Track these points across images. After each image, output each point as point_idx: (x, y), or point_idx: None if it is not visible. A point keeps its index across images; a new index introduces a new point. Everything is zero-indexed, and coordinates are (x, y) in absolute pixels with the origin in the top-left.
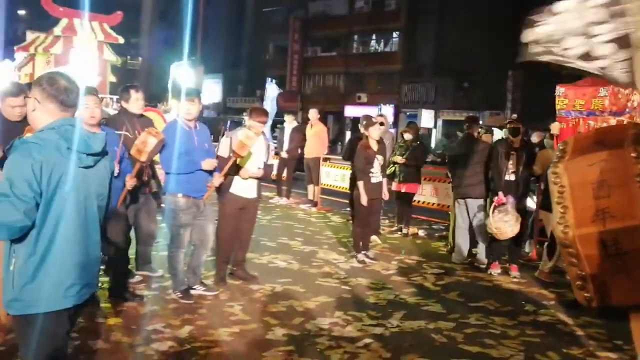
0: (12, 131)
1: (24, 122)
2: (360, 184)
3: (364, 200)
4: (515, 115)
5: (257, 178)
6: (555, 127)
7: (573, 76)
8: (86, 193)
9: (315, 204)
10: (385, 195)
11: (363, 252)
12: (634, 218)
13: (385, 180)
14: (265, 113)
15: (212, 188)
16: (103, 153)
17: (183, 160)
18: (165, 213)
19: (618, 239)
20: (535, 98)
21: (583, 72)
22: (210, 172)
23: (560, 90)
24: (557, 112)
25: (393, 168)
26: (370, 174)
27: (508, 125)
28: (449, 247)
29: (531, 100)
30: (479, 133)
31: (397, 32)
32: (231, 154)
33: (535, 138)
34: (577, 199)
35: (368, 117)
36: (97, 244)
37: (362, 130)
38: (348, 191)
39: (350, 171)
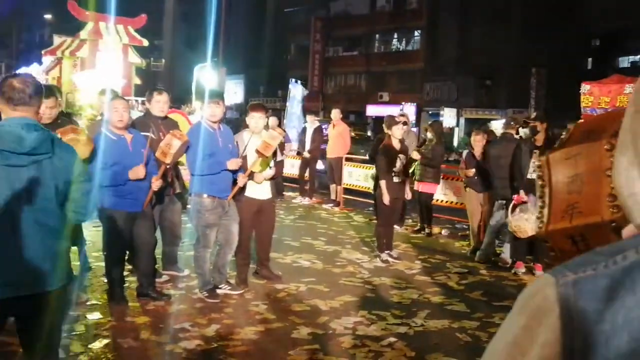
0: None
1: (54, 124)
2: (383, 183)
3: (386, 199)
4: (534, 114)
5: (270, 178)
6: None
7: (598, 74)
8: (19, 193)
9: (337, 204)
10: (408, 195)
11: (387, 251)
12: (597, 214)
13: (407, 180)
14: (262, 105)
15: (236, 188)
16: (43, 152)
17: (208, 161)
18: (192, 214)
19: (585, 235)
20: (560, 95)
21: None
22: (234, 172)
23: (585, 87)
24: (582, 109)
25: (413, 167)
26: (393, 174)
27: (524, 125)
28: (471, 246)
29: (555, 98)
30: (517, 132)
31: (419, 31)
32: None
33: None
34: (555, 194)
35: (391, 117)
36: (39, 243)
37: (385, 129)
38: (371, 191)
39: (373, 170)
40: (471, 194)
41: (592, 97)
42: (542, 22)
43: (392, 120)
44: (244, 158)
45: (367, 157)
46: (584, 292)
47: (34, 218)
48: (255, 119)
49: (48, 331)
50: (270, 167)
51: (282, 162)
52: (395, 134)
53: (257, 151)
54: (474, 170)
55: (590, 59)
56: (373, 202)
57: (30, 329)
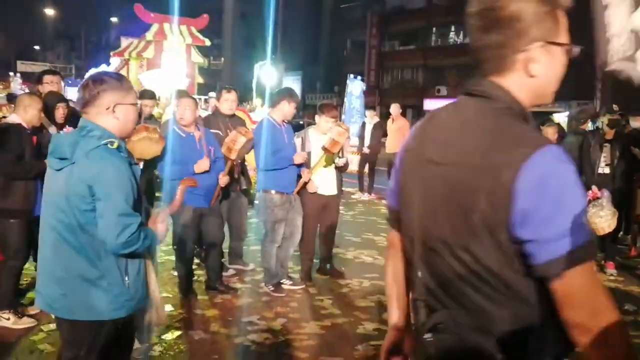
0: None
1: None
2: None
3: None
4: (616, 107)
5: (338, 168)
6: None
7: None
8: (45, 199)
9: None
10: None
11: None
12: None
13: None
14: (335, 107)
15: (301, 182)
16: (61, 157)
17: (277, 157)
18: (260, 209)
19: None
20: (627, 87)
21: None
22: (298, 167)
23: None
24: None
25: None
26: None
27: (608, 117)
28: None
29: (623, 90)
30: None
31: None
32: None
33: (635, 123)
34: None
35: None
36: (55, 259)
37: None
38: None
39: None
40: None
41: None
42: (580, 6)
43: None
44: (308, 154)
45: None
46: None
47: (52, 226)
48: (323, 121)
49: None
50: (335, 162)
51: (347, 160)
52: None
53: (324, 148)
54: None
55: None
56: None
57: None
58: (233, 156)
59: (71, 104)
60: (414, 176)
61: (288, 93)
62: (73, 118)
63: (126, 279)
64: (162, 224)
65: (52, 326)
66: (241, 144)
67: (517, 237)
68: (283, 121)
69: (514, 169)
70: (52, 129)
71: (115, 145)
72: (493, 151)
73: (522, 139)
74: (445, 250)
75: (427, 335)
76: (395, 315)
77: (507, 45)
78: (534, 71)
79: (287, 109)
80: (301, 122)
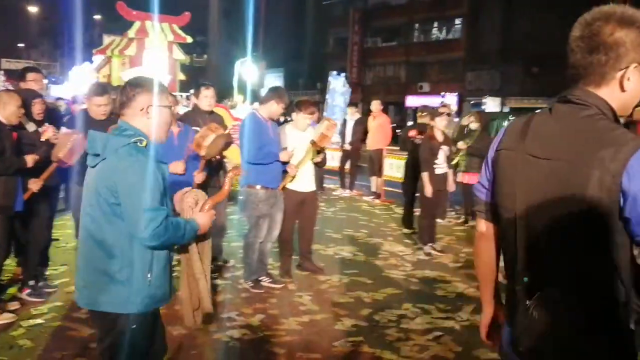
0: (97, 130)
1: (108, 120)
2: (425, 175)
3: (428, 191)
4: None
5: (316, 164)
6: (638, 113)
7: None
8: (83, 195)
9: (378, 196)
10: (452, 187)
11: (430, 244)
12: None
13: (451, 172)
14: (313, 104)
15: (288, 178)
16: (100, 155)
17: (263, 151)
18: (245, 205)
19: None
20: None
21: None
22: (284, 164)
23: None
24: None
25: (457, 158)
26: (435, 165)
27: None
28: None
29: None
30: None
31: (460, 19)
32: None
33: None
34: None
35: (426, 107)
36: (88, 253)
37: (420, 120)
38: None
39: (404, 161)
40: None
41: None
42: (592, 3)
43: (435, 112)
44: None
45: None
46: None
47: (84, 223)
48: (302, 118)
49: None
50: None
51: (325, 154)
52: (438, 124)
53: (313, 142)
54: None
55: None
56: (402, 192)
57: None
58: (202, 152)
59: (50, 102)
60: (516, 171)
61: (278, 94)
62: (50, 115)
63: (148, 275)
64: (206, 213)
65: (32, 322)
66: (210, 140)
67: (623, 216)
68: (270, 118)
69: (621, 163)
70: (31, 126)
71: (144, 144)
72: (602, 148)
73: (625, 139)
74: (550, 233)
75: (531, 310)
76: (489, 295)
77: (609, 65)
78: (627, 87)
79: (274, 108)
80: (288, 119)
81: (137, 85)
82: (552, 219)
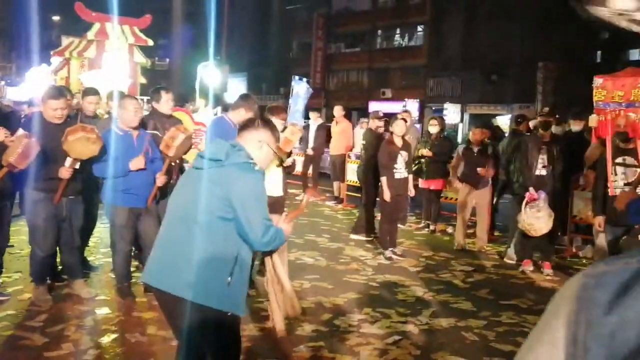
0: (52, 133)
1: (63, 124)
2: (384, 179)
3: (387, 196)
4: (547, 109)
5: (285, 168)
6: (593, 120)
7: (607, 67)
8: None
9: (341, 201)
10: (411, 192)
11: (390, 248)
12: None
13: (410, 177)
14: (284, 110)
15: None
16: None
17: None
18: None
19: None
20: (567, 90)
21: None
22: None
23: (598, 81)
24: (594, 103)
25: (419, 164)
26: (394, 170)
27: (539, 119)
28: (458, 242)
29: (563, 93)
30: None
31: (422, 26)
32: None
33: (576, 127)
34: None
35: (375, 113)
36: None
37: (370, 125)
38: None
39: (359, 165)
40: (465, 188)
41: (606, 90)
42: (549, 15)
43: (393, 118)
44: None
45: None
46: (603, 283)
47: (181, 218)
48: (277, 123)
49: None
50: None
51: (295, 160)
52: (396, 130)
53: (278, 147)
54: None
55: (599, 52)
56: (359, 195)
57: None
58: (171, 153)
59: (6, 104)
60: None
61: (248, 103)
62: (3, 117)
63: (229, 279)
64: (289, 223)
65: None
66: (180, 140)
67: None
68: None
69: None
70: None
71: (257, 167)
72: None
73: None
74: None
75: None
76: None
77: None
78: None
79: (243, 115)
80: None
81: (266, 123)
82: None
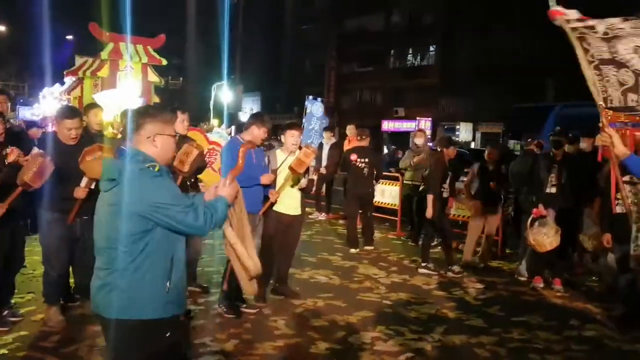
0: (67, 154)
1: (78, 145)
2: (431, 197)
3: (429, 213)
4: (558, 128)
5: (302, 190)
6: (599, 139)
7: None
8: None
9: None
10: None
11: (426, 263)
12: None
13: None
14: (297, 125)
15: (268, 204)
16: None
17: (243, 175)
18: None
19: None
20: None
21: None
22: (265, 188)
23: None
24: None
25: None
26: (442, 189)
27: (551, 138)
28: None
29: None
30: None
31: (434, 46)
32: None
33: (583, 144)
34: None
35: (364, 130)
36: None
37: (359, 143)
38: (391, 206)
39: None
40: (478, 206)
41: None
42: (561, 34)
43: (447, 141)
44: (276, 174)
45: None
46: None
47: (101, 240)
48: (290, 137)
49: None
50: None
51: (312, 180)
52: (450, 153)
53: (291, 168)
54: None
55: None
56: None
57: None
58: (185, 169)
59: (18, 123)
60: None
61: (259, 119)
62: (16, 136)
63: (167, 284)
64: (227, 187)
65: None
66: (194, 156)
67: None
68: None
69: None
70: None
71: (157, 169)
72: None
73: None
74: None
75: None
76: None
77: None
78: None
79: (256, 133)
80: (266, 143)
81: (146, 114)
82: None
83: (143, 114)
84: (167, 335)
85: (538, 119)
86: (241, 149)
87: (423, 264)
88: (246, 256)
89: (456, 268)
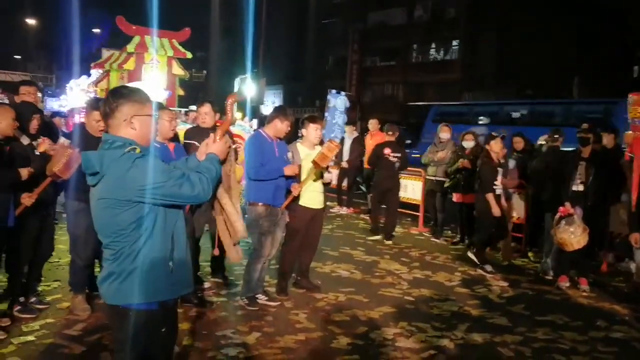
0: (94, 146)
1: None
2: (490, 196)
3: (496, 211)
4: (585, 125)
5: (324, 184)
6: (628, 137)
7: None
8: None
9: None
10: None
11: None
12: None
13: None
14: (319, 118)
15: (291, 197)
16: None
17: (266, 169)
18: (247, 222)
19: None
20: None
21: None
22: (288, 180)
23: (632, 98)
24: (630, 120)
25: (455, 179)
26: (495, 186)
27: (578, 135)
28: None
29: None
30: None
31: (457, 41)
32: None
33: (605, 141)
34: None
35: (392, 125)
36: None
37: (387, 138)
38: (413, 202)
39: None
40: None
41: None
42: (586, 30)
43: (490, 137)
44: (299, 168)
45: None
46: None
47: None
48: (313, 130)
49: None
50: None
51: (332, 174)
52: (495, 148)
53: (314, 162)
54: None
55: (636, 67)
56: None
57: None
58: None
59: (46, 114)
60: None
61: (282, 112)
62: (46, 128)
63: (170, 264)
64: (217, 143)
65: (23, 339)
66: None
67: None
68: (276, 137)
69: None
70: (25, 139)
71: (138, 151)
72: None
73: None
74: None
75: None
76: None
77: None
78: None
79: (279, 126)
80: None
81: (119, 95)
82: None
83: (116, 96)
84: (163, 330)
85: (424, 114)
86: (229, 101)
87: (482, 266)
88: (236, 216)
89: (488, 267)
